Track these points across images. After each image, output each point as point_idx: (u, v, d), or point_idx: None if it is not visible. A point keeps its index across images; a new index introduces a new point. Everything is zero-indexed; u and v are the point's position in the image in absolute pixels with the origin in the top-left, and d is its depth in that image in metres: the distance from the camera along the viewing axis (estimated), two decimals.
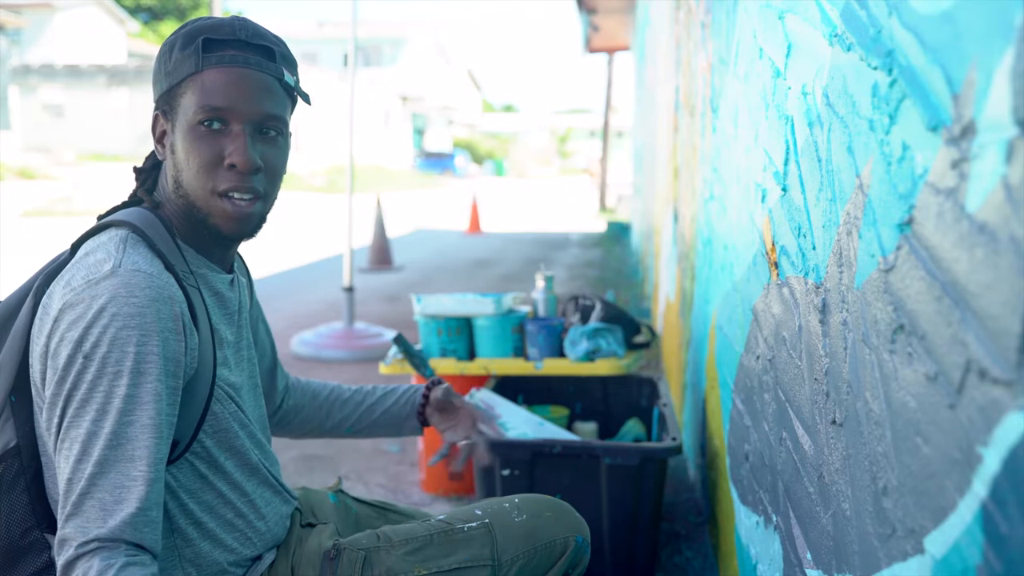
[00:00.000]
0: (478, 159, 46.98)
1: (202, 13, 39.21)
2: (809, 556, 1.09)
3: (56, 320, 0.98)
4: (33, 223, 12.50)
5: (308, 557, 1.22)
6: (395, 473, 2.86)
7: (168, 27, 41.01)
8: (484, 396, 2.15)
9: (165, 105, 1.08)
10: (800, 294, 1.15)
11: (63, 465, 0.96)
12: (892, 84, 0.77)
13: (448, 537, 1.25)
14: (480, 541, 1.25)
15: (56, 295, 1.00)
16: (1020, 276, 0.52)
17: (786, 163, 1.24)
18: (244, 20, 1.09)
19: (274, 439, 1.52)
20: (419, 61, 38.57)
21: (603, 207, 16.99)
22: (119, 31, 32.33)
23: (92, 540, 0.93)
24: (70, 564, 0.92)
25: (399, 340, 2.40)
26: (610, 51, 14.20)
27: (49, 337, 0.98)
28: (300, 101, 1.16)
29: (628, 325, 2.53)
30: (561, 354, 2.44)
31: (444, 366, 2.45)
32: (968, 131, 0.60)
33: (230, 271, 1.18)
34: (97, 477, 0.94)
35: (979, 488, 0.58)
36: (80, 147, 24.36)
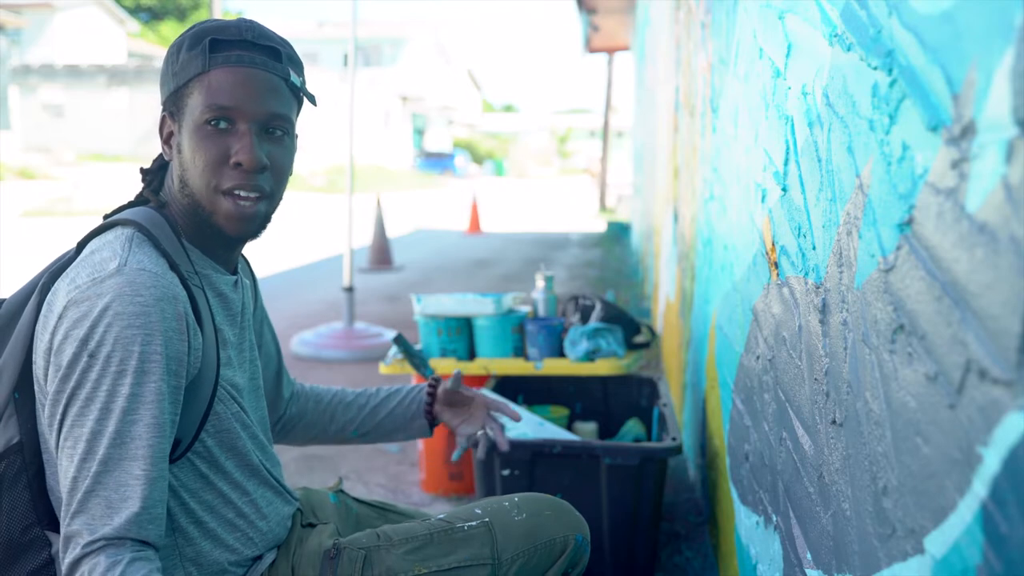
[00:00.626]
0: (478, 159, 46.98)
1: (202, 13, 39.25)
2: (809, 556, 1.09)
3: (60, 317, 0.98)
4: (33, 223, 12.50)
5: (308, 557, 1.22)
6: (395, 473, 2.86)
7: (168, 27, 41.03)
8: None
9: (172, 106, 1.09)
10: (800, 294, 1.15)
11: (66, 463, 0.96)
12: (892, 84, 0.77)
13: (448, 536, 1.25)
14: (480, 540, 1.25)
15: (61, 292, 1.00)
16: (1020, 276, 0.52)
17: (786, 163, 1.24)
18: (251, 22, 1.10)
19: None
20: (419, 61, 38.57)
21: (603, 207, 16.99)
22: (119, 31, 32.32)
23: (99, 539, 0.93)
24: (77, 562, 0.93)
25: (399, 340, 2.40)
26: (610, 51, 14.20)
27: (53, 334, 0.98)
28: (306, 102, 1.17)
29: (628, 325, 2.53)
30: (561, 354, 2.44)
31: (444, 366, 2.45)
32: (968, 131, 0.60)
33: (234, 272, 1.19)
34: (102, 475, 0.95)
35: (979, 488, 0.58)
36: (80, 147, 24.36)
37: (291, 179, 1.15)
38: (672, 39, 3.87)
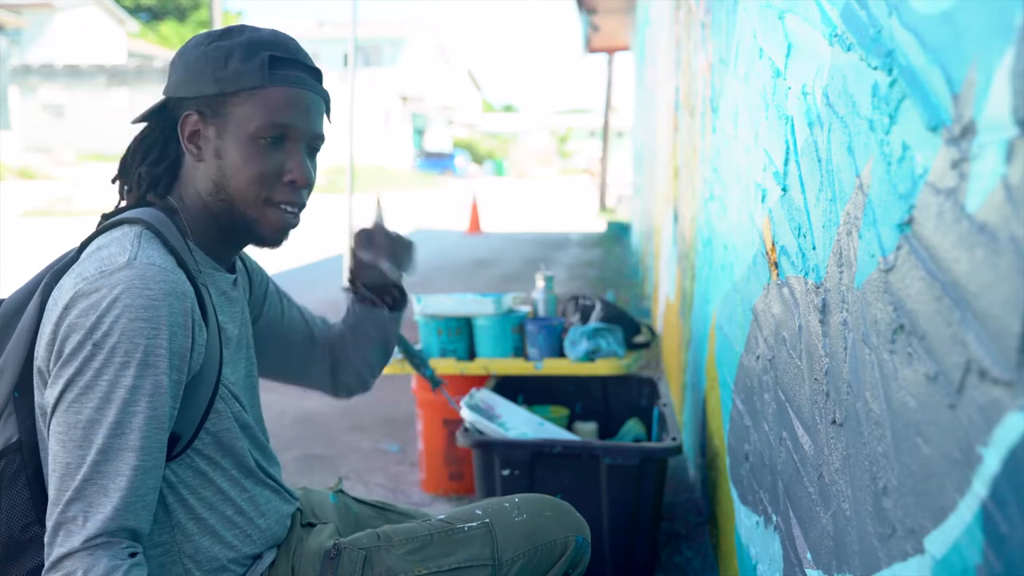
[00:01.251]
0: (478, 159, 46.99)
1: (202, 13, 39.23)
2: (809, 556, 1.09)
3: (67, 308, 0.98)
4: (33, 223, 12.50)
5: (308, 557, 1.22)
6: (395, 473, 2.86)
7: (168, 27, 41.02)
8: (484, 396, 2.16)
9: (206, 108, 1.09)
10: (800, 294, 1.15)
11: (57, 447, 0.96)
12: (892, 84, 0.77)
13: (448, 537, 1.25)
14: (480, 541, 1.25)
15: (67, 287, 1.01)
16: (1020, 276, 0.52)
17: (786, 163, 1.24)
18: (294, 40, 1.14)
19: (273, 440, 1.52)
20: (419, 61, 38.58)
21: (603, 207, 16.99)
22: (119, 31, 32.33)
23: (98, 535, 0.94)
24: (72, 554, 0.93)
25: (399, 340, 2.40)
26: (610, 51, 14.20)
27: (57, 325, 0.99)
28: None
29: (628, 325, 2.53)
30: (561, 354, 2.44)
31: (444, 366, 2.45)
32: (968, 131, 0.60)
33: (232, 271, 1.20)
34: (100, 464, 0.95)
35: (979, 488, 0.58)
36: (80, 147, 24.36)
37: None
38: (672, 39, 3.87)
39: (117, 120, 25.70)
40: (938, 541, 0.66)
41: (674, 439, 1.96)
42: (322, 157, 1.22)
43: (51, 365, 0.99)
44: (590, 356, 2.38)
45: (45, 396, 1.00)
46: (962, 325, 0.61)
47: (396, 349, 2.45)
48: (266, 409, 1.41)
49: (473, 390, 2.15)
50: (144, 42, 36.35)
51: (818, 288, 1.05)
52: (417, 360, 2.45)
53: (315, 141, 1.14)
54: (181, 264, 1.05)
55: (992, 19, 0.57)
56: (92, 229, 1.12)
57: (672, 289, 3.57)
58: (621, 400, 2.55)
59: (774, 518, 1.32)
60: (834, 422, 0.97)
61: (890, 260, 0.77)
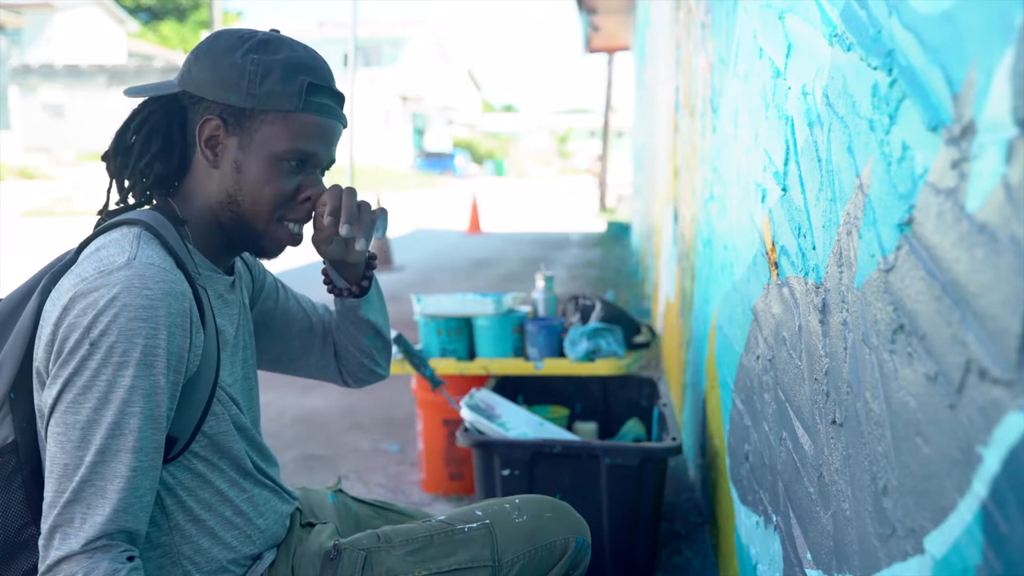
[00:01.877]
0: (478, 159, 46.99)
1: (202, 13, 39.23)
2: (809, 556, 1.09)
3: (66, 308, 0.98)
4: (33, 223, 12.51)
5: (308, 557, 1.22)
6: (395, 473, 2.86)
7: (168, 27, 41.01)
8: (484, 396, 2.16)
9: (231, 117, 1.08)
10: (800, 294, 1.15)
11: (55, 448, 0.96)
12: (892, 84, 0.77)
13: (448, 538, 1.25)
14: (480, 542, 1.25)
15: (66, 287, 1.00)
16: (1020, 276, 0.52)
17: (786, 163, 1.24)
18: (326, 62, 1.14)
19: (273, 440, 1.52)
20: (419, 61, 38.58)
21: (603, 207, 16.99)
22: (119, 31, 32.32)
23: (98, 537, 0.93)
24: (70, 557, 0.93)
25: (399, 340, 2.40)
26: (610, 51, 14.20)
27: (56, 325, 0.98)
28: None
29: (628, 325, 2.53)
30: (561, 354, 2.44)
31: (444, 366, 2.45)
32: (968, 131, 0.60)
33: (230, 273, 1.20)
34: (98, 466, 0.95)
35: (979, 488, 0.58)
36: (80, 147, 24.35)
37: None
38: (672, 39, 3.87)
39: (117, 120, 25.61)
40: (938, 541, 0.66)
41: (674, 439, 1.96)
42: None
43: (50, 365, 0.99)
44: (590, 356, 2.38)
45: (43, 396, 1.00)
46: (962, 325, 0.61)
47: (396, 349, 2.47)
48: (265, 409, 1.41)
49: (473, 390, 2.15)
50: (144, 42, 36.34)
51: (818, 288, 1.05)
52: (417, 360, 2.45)
53: (329, 165, 1.18)
54: (180, 265, 1.05)
55: (992, 19, 0.57)
56: (91, 229, 1.12)
57: (672, 289, 3.57)
58: (621, 400, 2.55)
59: (774, 518, 1.32)
60: (834, 422, 0.97)
61: (890, 260, 0.77)
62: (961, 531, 0.61)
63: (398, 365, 2.45)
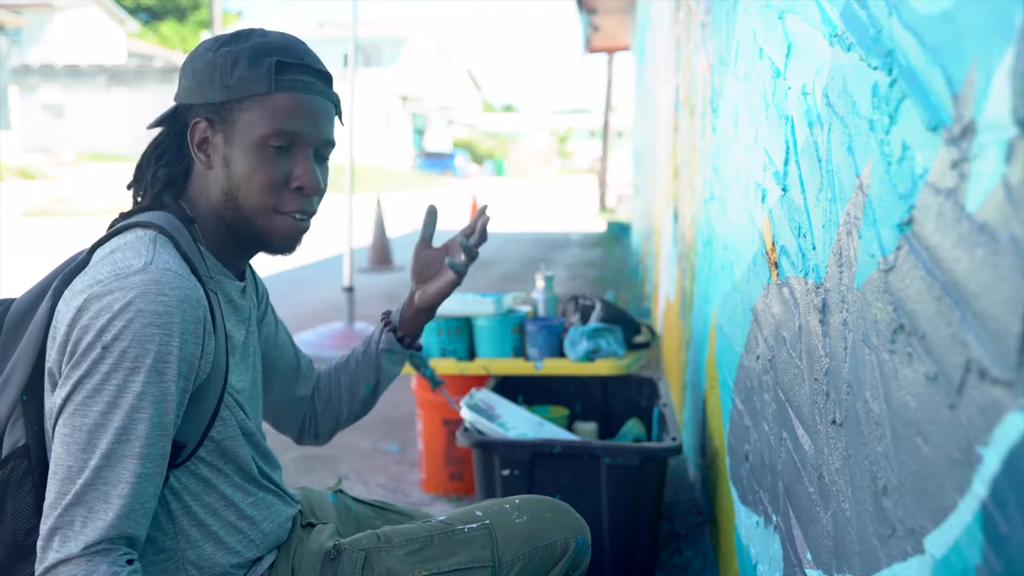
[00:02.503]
0: (478, 159, 47.00)
1: (202, 13, 39.22)
2: (809, 556, 1.09)
3: (80, 309, 0.97)
4: (33, 223, 12.50)
5: (308, 558, 1.22)
6: (395, 473, 2.86)
7: (168, 27, 41.01)
8: (484, 396, 2.16)
9: (214, 115, 1.08)
10: (800, 294, 1.15)
11: (60, 450, 0.96)
12: (892, 84, 0.77)
13: (448, 538, 1.25)
14: (480, 542, 1.25)
15: (79, 288, 1.00)
16: (1020, 276, 0.52)
17: (786, 163, 1.24)
18: (303, 43, 1.12)
19: (273, 440, 1.52)
20: (419, 61, 38.57)
21: (603, 207, 16.99)
22: (119, 31, 32.33)
23: (99, 541, 0.93)
24: (69, 560, 0.92)
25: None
26: (610, 51, 14.20)
27: (70, 326, 0.98)
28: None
29: (628, 325, 2.53)
30: (561, 354, 2.44)
31: (444, 366, 2.45)
32: (968, 131, 0.60)
33: (241, 278, 1.19)
34: (103, 470, 0.95)
35: (979, 488, 0.58)
36: (80, 147, 24.36)
37: None
38: (672, 39, 3.87)
39: (117, 120, 25.70)
40: (938, 541, 0.66)
41: (674, 439, 1.96)
42: None
43: (63, 367, 0.98)
44: (590, 356, 2.38)
45: (54, 397, 0.99)
46: (962, 325, 0.61)
47: None
48: None
49: (473, 390, 2.15)
50: (144, 42, 36.33)
51: (818, 288, 1.05)
52: (417, 360, 2.45)
53: (324, 147, 1.13)
54: (194, 270, 1.04)
55: (992, 19, 0.57)
56: (96, 230, 1.11)
57: (672, 289, 3.57)
58: (621, 400, 2.55)
59: (774, 518, 1.32)
60: (834, 422, 0.97)
61: (890, 260, 0.77)
62: (961, 531, 0.61)
63: None
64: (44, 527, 0.95)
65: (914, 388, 0.71)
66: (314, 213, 1.14)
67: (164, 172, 1.14)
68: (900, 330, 0.74)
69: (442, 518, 1.30)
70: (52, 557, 0.93)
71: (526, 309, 2.66)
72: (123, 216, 1.13)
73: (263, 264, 1.35)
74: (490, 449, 1.95)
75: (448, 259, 1.39)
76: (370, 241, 7.59)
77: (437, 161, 37.89)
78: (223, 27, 19.78)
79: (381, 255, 7.53)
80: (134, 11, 39.34)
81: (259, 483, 1.18)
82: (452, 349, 2.49)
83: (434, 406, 2.56)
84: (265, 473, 1.20)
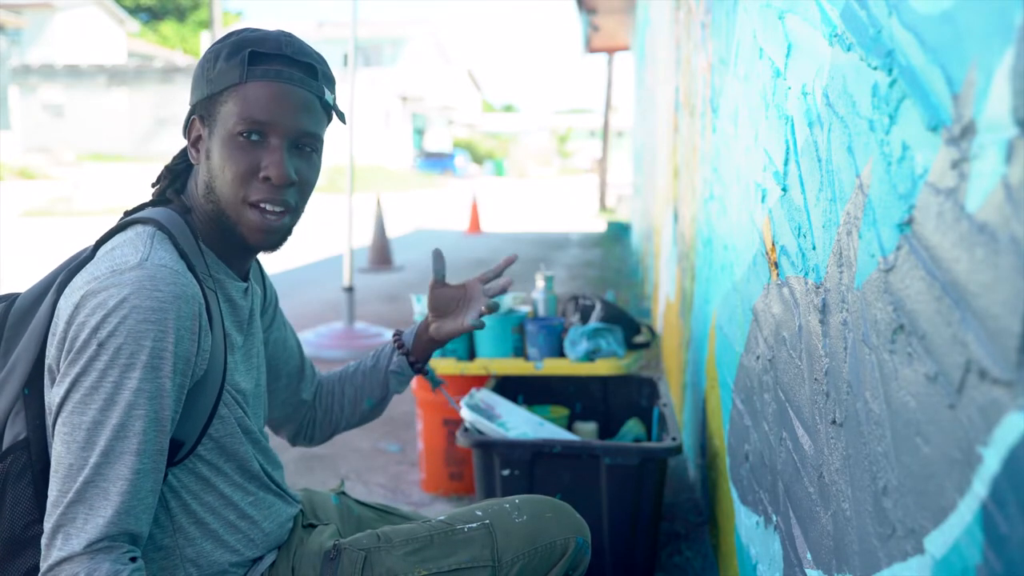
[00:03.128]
0: (478, 159, 47.01)
1: (202, 13, 39.22)
2: (809, 556, 1.09)
3: (77, 306, 0.98)
4: (33, 223, 12.50)
5: (308, 557, 1.22)
6: (395, 473, 2.86)
7: (168, 27, 41.02)
8: (484, 396, 2.16)
9: (203, 111, 1.09)
10: (800, 294, 1.15)
11: (61, 448, 0.96)
12: (892, 84, 0.77)
13: (448, 538, 1.25)
14: (480, 542, 1.25)
15: (78, 284, 1.01)
16: (1020, 276, 0.52)
17: (786, 163, 1.24)
18: (290, 36, 1.11)
19: (272, 439, 1.52)
20: (419, 61, 38.57)
21: (603, 207, 16.99)
22: (119, 31, 32.34)
23: (101, 539, 0.93)
24: (72, 558, 0.93)
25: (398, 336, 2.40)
26: (610, 51, 14.19)
27: (68, 323, 0.98)
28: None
29: (628, 325, 2.53)
30: (561, 354, 2.44)
31: (444, 366, 2.45)
32: (968, 131, 0.60)
33: (245, 279, 1.19)
34: (102, 467, 0.95)
35: (979, 488, 0.58)
36: (80, 147, 24.37)
37: None
38: (672, 39, 3.87)
39: (117, 120, 25.70)
40: (938, 541, 0.66)
41: (674, 439, 1.96)
42: (322, 157, 1.19)
43: (61, 363, 0.99)
44: (590, 356, 2.38)
45: (52, 394, 1.00)
46: (962, 325, 0.61)
47: None
48: None
49: (473, 390, 2.15)
50: (144, 42, 36.34)
51: (818, 288, 1.05)
52: None
53: (303, 139, 1.09)
54: (191, 268, 1.05)
55: (992, 19, 0.57)
56: (95, 230, 1.12)
57: (672, 289, 3.57)
58: (621, 400, 2.55)
59: (774, 518, 1.32)
60: (834, 422, 0.97)
61: (890, 260, 0.77)
62: (961, 531, 0.61)
63: None
64: (47, 525, 0.95)
65: (914, 388, 0.71)
66: (292, 207, 1.11)
67: (170, 169, 1.16)
68: (900, 330, 0.74)
69: (442, 518, 1.30)
70: (55, 555, 0.93)
71: (526, 309, 2.66)
72: (127, 213, 1.13)
73: (264, 262, 1.35)
74: (490, 449, 1.95)
75: (471, 319, 1.41)
76: (370, 241, 7.59)
77: (437, 161, 37.89)
78: (223, 27, 19.75)
79: (381, 255, 7.53)
80: (134, 11, 39.33)
81: (260, 482, 1.18)
82: (452, 349, 2.49)
83: (434, 406, 2.56)
84: (266, 472, 1.21)
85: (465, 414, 2.03)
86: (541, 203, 21.16)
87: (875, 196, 0.82)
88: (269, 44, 1.08)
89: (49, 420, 1.02)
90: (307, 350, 4.56)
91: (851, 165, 0.91)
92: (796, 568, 1.16)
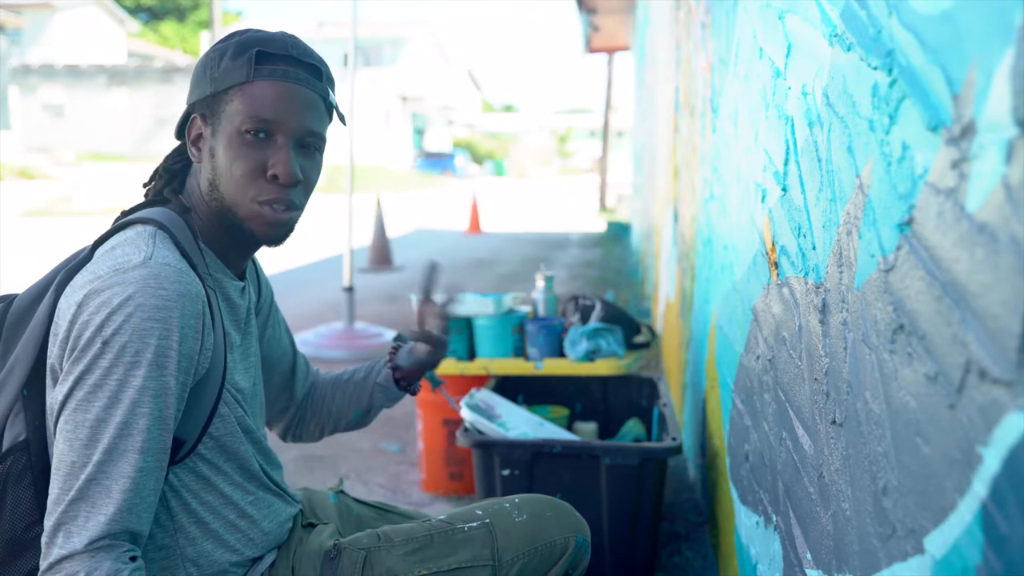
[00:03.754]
0: (478, 159, 47.01)
1: (202, 13, 39.22)
2: (809, 556, 1.09)
3: (80, 305, 0.98)
4: (33, 223, 12.50)
5: (308, 557, 1.22)
6: (395, 473, 2.86)
7: (168, 27, 41.02)
8: (484, 396, 2.16)
9: (206, 109, 1.09)
10: (800, 294, 1.15)
11: (64, 446, 0.96)
12: (892, 84, 0.77)
13: (448, 537, 1.25)
14: (480, 541, 1.25)
15: (80, 283, 1.00)
16: (1020, 276, 0.52)
17: (786, 163, 1.24)
18: (294, 37, 1.12)
19: (272, 439, 1.52)
20: (419, 61, 38.56)
21: (603, 207, 16.99)
22: (119, 31, 32.34)
23: (102, 537, 0.93)
24: (72, 556, 0.93)
25: (400, 339, 2.40)
26: (610, 51, 14.20)
27: (71, 322, 0.98)
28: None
29: (628, 325, 2.53)
30: (561, 354, 2.44)
31: (444, 366, 2.45)
32: (968, 131, 0.60)
33: (242, 278, 1.20)
34: (105, 465, 0.95)
35: (979, 488, 0.58)
36: (80, 147, 24.37)
37: None
38: (672, 39, 3.87)
39: (117, 120, 25.70)
40: (938, 541, 0.66)
41: (674, 439, 1.96)
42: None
43: (64, 362, 0.99)
44: (590, 356, 2.38)
45: (55, 392, 0.99)
46: (962, 325, 0.61)
47: None
48: None
49: (473, 390, 2.15)
50: (144, 42, 36.34)
51: (818, 288, 1.05)
52: None
53: (308, 138, 1.10)
54: (192, 266, 1.05)
55: (992, 19, 0.57)
56: (95, 230, 1.12)
57: (672, 289, 3.57)
58: (621, 400, 2.55)
59: (774, 518, 1.32)
60: (834, 422, 0.97)
61: (890, 260, 0.77)
62: (961, 531, 0.61)
63: None
64: (48, 522, 0.95)
65: (914, 388, 0.71)
66: (298, 205, 1.12)
67: (166, 169, 1.16)
68: (900, 330, 0.74)
69: (442, 517, 1.30)
70: (56, 553, 0.93)
71: (526, 309, 2.66)
72: (125, 213, 1.13)
73: (263, 262, 1.35)
74: (490, 449, 1.95)
75: (435, 340, 1.46)
76: (370, 241, 7.59)
77: (437, 161, 37.89)
78: (223, 27, 19.75)
79: (381, 255, 7.53)
80: (134, 11, 39.33)
81: (259, 482, 1.18)
82: (452, 349, 2.49)
83: (434, 406, 2.56)
84: (266, 472, 1.21)
85: (465, 414, 2.03)
86: (541, 203, 21.16)
87: (875, 196, 0.82)
88: (275, 44, 1.09)
89: (50, 420, 1.02)
90: (307, 350, 4.56)
91: (851, 165, 0.91)
92: (796, 568, 1.16)
